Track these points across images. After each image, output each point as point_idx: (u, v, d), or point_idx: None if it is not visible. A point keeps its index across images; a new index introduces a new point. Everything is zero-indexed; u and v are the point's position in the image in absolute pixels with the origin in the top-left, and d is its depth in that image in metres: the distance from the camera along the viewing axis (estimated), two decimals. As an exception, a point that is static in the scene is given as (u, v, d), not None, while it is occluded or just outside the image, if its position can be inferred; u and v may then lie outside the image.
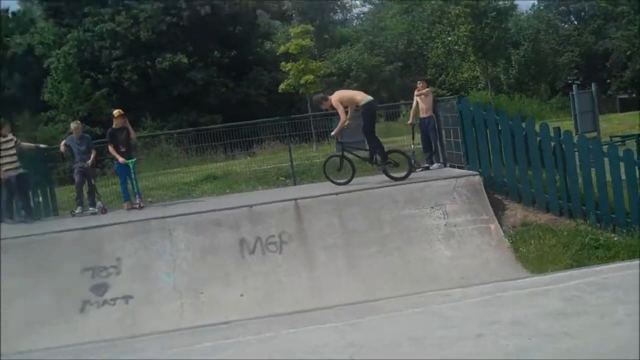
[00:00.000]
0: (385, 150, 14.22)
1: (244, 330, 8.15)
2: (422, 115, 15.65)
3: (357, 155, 14.36)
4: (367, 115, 14.04)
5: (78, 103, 35.74)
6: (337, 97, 14.09)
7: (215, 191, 17.01)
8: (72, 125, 15.50)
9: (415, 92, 15.85)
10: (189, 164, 19.84)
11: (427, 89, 15.91)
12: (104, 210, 14.58)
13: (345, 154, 14.15)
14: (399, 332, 7.17)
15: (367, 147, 14.28)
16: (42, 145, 16.43)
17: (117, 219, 12.78)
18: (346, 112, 13.90)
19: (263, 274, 11.34)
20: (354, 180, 14.12)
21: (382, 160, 14.04)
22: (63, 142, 15.25)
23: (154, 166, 20.14)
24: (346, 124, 13.94)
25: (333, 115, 21.68)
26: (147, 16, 43.22)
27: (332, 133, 14.36)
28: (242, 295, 10.92)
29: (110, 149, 14.78)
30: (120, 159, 14.63)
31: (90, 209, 14.78)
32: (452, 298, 8.49)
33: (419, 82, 16.31)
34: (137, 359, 7.66)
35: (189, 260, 11.49)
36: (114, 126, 14.94)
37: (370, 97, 14.15)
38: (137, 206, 14.41)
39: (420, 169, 15.43)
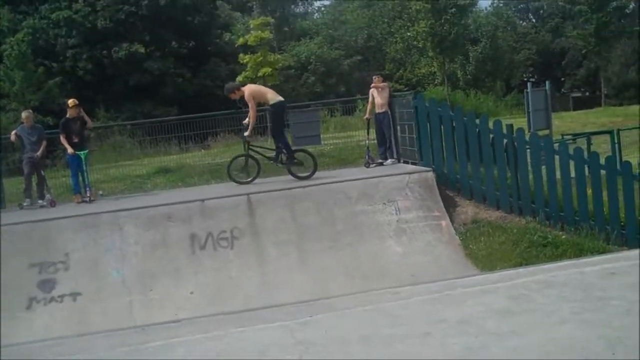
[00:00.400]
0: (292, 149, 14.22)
1: (194, 329, 8.05)
2: (378, 110, 15.62)
3: (263, 155, 14.32)
4: (275, 115, 14.11)
5: (30, 92, 35.16)
6: (250, 90, 14.04)
7: (167, 184, 16.82)
8: (23, 114, 15.19)
9: (372, 86, 15.83)
10: (142, 156, 19.63)
11: (384, 84, 15.90)
12: (52, 203, 14.33)
13: (251, 153, 14.07)
14: (349, 331, 7.14)
15: (277, 146, 14.23)
16: (-10, 135, 16.11)
17: (67, 213, 12.56)
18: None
19: (214, 270, 11.26)
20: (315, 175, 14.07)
21: (288, 159, 14.03)
22: (14, 132, 14.94)
23: (106, 158, 19.85)
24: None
25: (290, 107, 21.64)
26: (105, 4, 42.57)
27: (246, 133, 13.98)
28: (192, 292, 10.83)
29: (62, 139, 14.53)
30: (70, 150, 14.40)
31: (39, 201, 14.51)
32: (401, 296, 8.49)
33: (375, 76, 16.31)
34: (85, 358, 7.53)
35: (138, 255, 11.35)
36: (67, 116, 14.70)
37: (280, 97, 14.15)
38: (88, 199, 14.19)
39: (374, 165, 15.45)
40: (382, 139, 15.78)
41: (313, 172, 14.10)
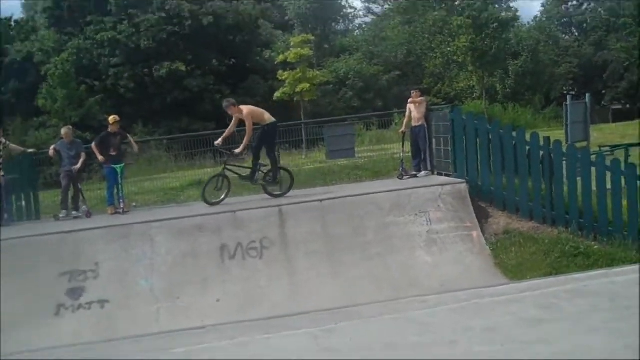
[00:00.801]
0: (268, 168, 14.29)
1: (219, 335, 8.07)
2: (414, 123, 15.56)
3: (239, 174, 14.23)
4: (270, 135, 14.17)
5: (71, 109, 35.75)
6: (249, 110, 14.16)
7: (200, 197, 16.90)
8: (63, 130, 15.47)
9: (409, 100, 15.78)
10: (177, 169, 19.78)
11: (421, 98, 15.86)
12: (88, 215, 14.51)
13: (227, 173, 14.01)
14: (374, 338, 7.10)
15: (254, 165, 14.23)
16: (29, 150, 16.37)
17: (99, 223, 12.70)
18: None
19: (242, 279, 11.28)
20: (341, 186, 14.05)
21: (271, 178, 14.12)
22: (52, 147, 15.21)
23: (142, 172, 20.06)
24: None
25: (325, 122, 21.69)
26: (149, 25, 43.24)
27: (238, 150, 14.14)
28: (218, 300, 10.85)
29: (94, 147, 14.74)
30: (100, 157, 14.60)
31: (74, 212, 14.72)
32: (429, 304, 8.42)
33: (413, 91, 16.26)
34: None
35: (168, 264, 11.42)
36: (109, 130, 14.95)
37: (274, 119, 14.24)
38: (121, 211, 14.33)
39: (407, 177, 15.38)
40: (416, 152, 15.72)
41: (288, 190, 14.15)
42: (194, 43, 44.51)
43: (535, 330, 6.71)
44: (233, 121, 14.29)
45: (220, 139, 14.22)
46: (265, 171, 14.08)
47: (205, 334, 8.34)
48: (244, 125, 14.00)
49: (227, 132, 14.31)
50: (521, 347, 6.27)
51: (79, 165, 14.79)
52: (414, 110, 15.61)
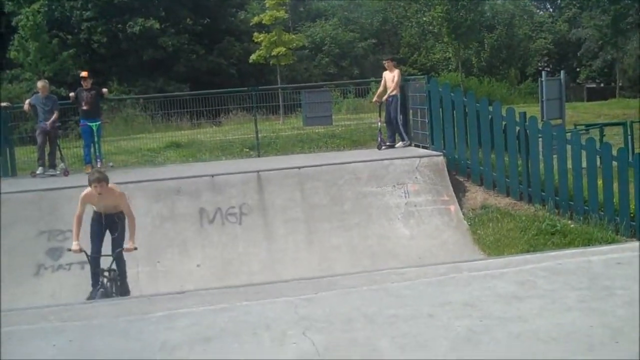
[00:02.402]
0: None
1: (199, 300, 8.08)
2: (389, 93, 15.56)
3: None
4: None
5: (44, 63, 35.08)
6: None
7: (178, 159, 16.85)
8: (39, 83, 15.28)
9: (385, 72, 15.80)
10: (154, 130, 19.64)
11: (394, 68, 15.86)
12: (66, 173, 14.39)
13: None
14: (353, 308, 7.14)
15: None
16: (3, 104, 16.08)
17: (77, 182, 12.59)
18: None
19: (221, 244, 11.30)
20: (319, 154, 14.07)
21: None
22: (27, 101, 14.98)
23: (118, 131, 19.90)
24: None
25: (302, 87, 21.60)
26: (122, -22, 42.53)
27: (128, 245, 9.56)
28: (198, 265, 10.89)
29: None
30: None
31: (51, 170, 14.58)
32: (407, 277, 8.48)
33: (385, 60, 16.25)
34: (89, 324, 7.58)
35: (147, 227, 11.38)
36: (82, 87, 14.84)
37: None
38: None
39: (385, 147, 15.43)
40: (390, 122, 15.75)
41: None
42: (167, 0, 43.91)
43: (512, 306, 6.80)
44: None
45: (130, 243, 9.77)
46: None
47: (184, 299, 8.36)
48: None
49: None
50: (499, 322, 6.36)
51: (50, 122, 14.57)
52: (388, 79, 15.62)
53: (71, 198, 11.70)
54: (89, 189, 9.45)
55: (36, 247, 10.79)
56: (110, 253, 9.56)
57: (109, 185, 9.49)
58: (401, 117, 15.64)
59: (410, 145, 15.55)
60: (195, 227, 11.54)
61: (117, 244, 9.61)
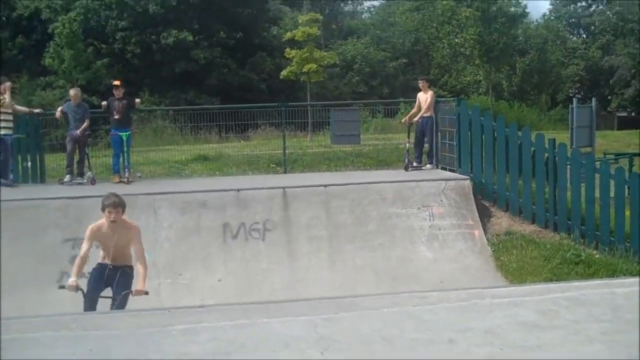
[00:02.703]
0: None
1: (219, 316, 8.09)
2: (423, 114, 15.48)
3: None
4: None
5: (78, 71, 35.51)
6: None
7: (205, 172, 16.94)
8: (72, 91, 15.44)
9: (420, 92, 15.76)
10: (182, 142, 19.79)
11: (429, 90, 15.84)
12: (93, 182, 14.52)
13: None
14: (373, 331, 7.11)
15: None
16: (36, 110, 16.28)
17: (104, 191, 12.67)
18: None
19: (244, 260, 11.33)
20: (346, 173, 14.07)
21: None
22: (60, 109, 15.14)
23: (147, 141, 20.07)
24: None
25: (332, 105, 21.67)
26: (158, -10, 43.02)
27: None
28: (219, 280, 10.92)
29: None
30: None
31: (79, 178, 14.72)
32: (429, 301, 8.44)
33: (420, 80, 16.20)
34: (108, 334, 7.62)
35: (171, 239, 11.46)
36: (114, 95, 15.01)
37: None
38: (126, 180, 14.35)
39: (412, 168, 15.41)
40: (419, 143, 15.72)
41: None
42: (201, 12, 44.28)
43: (533, 335, 6.74)
44: None
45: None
46: None
47: (205, 313, 8.38)
48: None
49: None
50: (519, 351, 6.31)
51: (80, 130, 14.69)
52: (422, 100, 15.58)
53: (96, 207, 11.81)
54: (97, 222, 8.34)
55: (61, 255, 10.87)
56: (111, 295, 8.59)
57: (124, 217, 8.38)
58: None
59: (437, 167, 15.51)
60: (218, 242, 11.58)
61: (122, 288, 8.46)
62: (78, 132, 14.63)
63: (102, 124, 16.18)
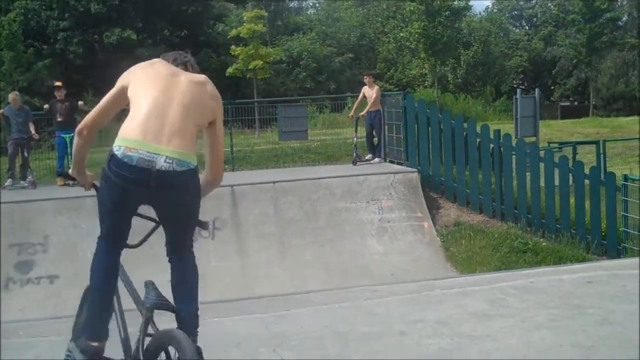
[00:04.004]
0: None
1: (170, 317, 8.00)
2: (370, 108, 15.56)
3: None
4: None
5: (19, 72, 34.88)
6: None
7: (153, 172, 16.69)
8: (10, 96, 15.14)
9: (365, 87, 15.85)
10: (128, 142, 19.47)
11: (375, 85, 15.94)
12: (33, 185, 14.25)
13: None
14: (324, 326, 7.12)
15: None
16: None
17: (48, 195, 12.49)
18: None
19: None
20: (294, 169, 14.04)
21: None
22: (1, 112, 14.87)
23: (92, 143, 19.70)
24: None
25: (278, 102, 21.62)
26: (100, -12, 42.33)
27: None
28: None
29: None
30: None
31: (21, 182, 14.44)
32: (379, 294, 8.48)
33: (365, 75, 16.32)
34: (58, 340, 7.49)
35: (118, 242, 11.28)
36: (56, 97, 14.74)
37: None
38: (70, 183, 14.09)
39: (361, 163, 15.46)
40: (370, 137, 15.80)
41: None
42: (144, 11, 43.76)
43: (483, 325, 6.81)
44: None
45: None
46: None
47: (155, 315, 8.28)
48: None
49: None
50: (469, 341, 6.37)
51: (33, 133, 14.50)
52: (368, 95, 15.66)
53: (43, 210, 11.61)
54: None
55: (5, 261, 10.64)
56: None
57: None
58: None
59: (385, 161, 15.59)
60: (167, 242, 11.44)
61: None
62: (33, 135, 14.45)
63: (44, 126, 15.84)
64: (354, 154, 15.67)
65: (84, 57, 42.21)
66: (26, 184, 14.33)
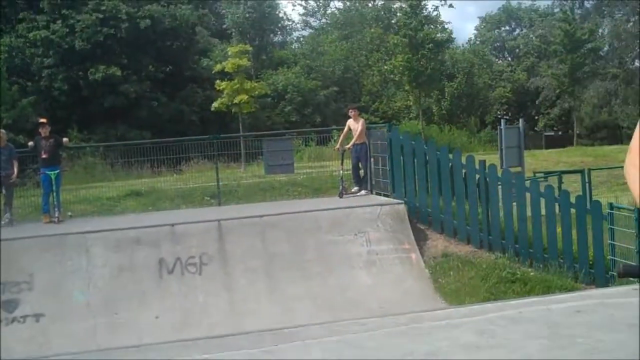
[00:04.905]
0: None
1: (157, 354, 7.95)
2: (356, 141, 15.59)
3: None
4: None
5: (3, 110, 34.73)
6: None
7: (138, 208, 16.64)
8: None
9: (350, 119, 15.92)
10: (114, 178, 19.44)
11: (360, 119, 16.02)
12: (11, 223, 14.12)
13: None
14: (314, 361, 7.08)
15: None
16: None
17: (34, 232, 12.40)
18: None
19: (181, 295, 11.16)
20: (281, 203, 14.00)
21: None
22: None
23: (77, 179, 19.63)
24: None
25: (264, 135, 21.66)
26: (84, 26, 42.30)
27: None
28: (157, 317, 10.72)
29: None
30: None
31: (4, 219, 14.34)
32: (369, 327, 8.44)
33: (351, 109, 16.38)
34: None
35: (105, 278, 11.24)
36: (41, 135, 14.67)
37: None
38: (56, 220, 14.00)
39: (346, 195, 15.45)
40: (356, 169, 15.83)
41: None
42: (130, 47, 43.79)
43: (473, 356, 6.79)
44: None
45: None
46: None
47: (143, 352, 8.21)
48: None
49: None
50: (460, 373, 6.35)
51: (15, 172, 14.39)
52: (353, 128, 15.71)
53: (28, 248, 11.52)
54: None
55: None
56: None
57: None
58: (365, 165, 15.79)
59: (371, 193, 15.60)
60: (154, 278, 11.39)
61: None
62: (14, 174, 14.33)
63: (29, 163, 15.78)
64: (340, 187, 15.67)
65: (68, 93, 42.11)
66: (4, 222, 14.16)
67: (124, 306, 10.87)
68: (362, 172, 15.84)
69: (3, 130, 15.49)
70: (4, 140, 14.80)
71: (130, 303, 10.95)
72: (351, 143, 15.62)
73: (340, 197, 15.42)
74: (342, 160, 15.99)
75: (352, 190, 15.72)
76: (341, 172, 15.93)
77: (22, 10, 43.34)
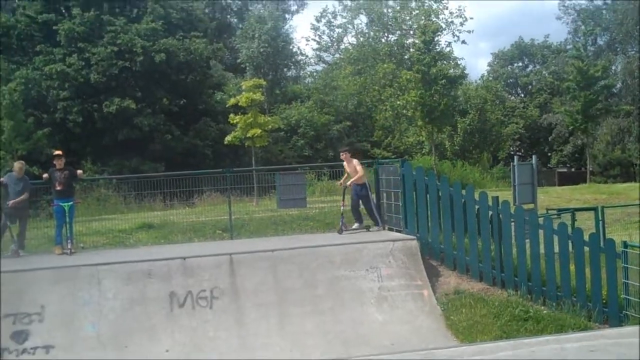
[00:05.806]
0: None
1: None
2: (356, 182, 15.62)
3: None
4: None
5: (19, 141, 35.01)
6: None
7: (150, 240, 16.67)
8: (16, 165, 15.13)
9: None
10: (126, 211, 19.49)
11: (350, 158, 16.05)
12: (16, 254, 14.13)
13: None
14: (324, 397, 7.03)
15: None
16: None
17: (46, 264, 12.42)
18: None
19: (191, 329, 11.12)
20: (293, 237, 13.97)
21: None
22: (1, 179, 14.90)
23: (90, 211, 19.70)
24: None
25: (277, 169, 21.71)
26: (100, 59, 42.76)
27: None
28: (167, 350, 10.67)
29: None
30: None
31: (20, 251, 14.35)
32: (380, 365, 8.40)
33: (341, 152, 16.55)
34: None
35: (116, 310, 11.22)
36: (55, 167, 14.74)
37: None
38: (68, 252, 14.02)
39: (345, 231, 15.42)
40: (355, 206, 15.83)
41: None
42: (144, 80, 44.17)
43: (486, 395, 6.72)
44: None
45: None
46: None
47: None
48: None
49: None
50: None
51: (16, 201, 14.34)
52: (351, 170, 15.77)
53: (39, 280, 11.54)
54: None
55: (1, 330, 10.52)
56: None
57: None
58: (374, 200, 15.78)
59: (383, 229, 15.58)
60: (165, 311, 11.37)
61: None
62: (9, 204, 14.33)
63: (43, 194, 15.84)
64: (340, 223, 15.67)
65: (83, 126, 42.42)
66: (9, 253, 14.15)
67: (135, 339, 10.83)
68: (362, 208, 15.86)
69: (23, 162, 15.58)
70: (22, 172, 14.91)
71: (140, 336, 10.92)
72: (349, 182, 15.65)
73: (340, 233, 15.42)
74: (344, 196, 16.02)
75: (353, 227, 15.73)
76: (342, 208, 15.94)
77: (39, 43, 43.86)
